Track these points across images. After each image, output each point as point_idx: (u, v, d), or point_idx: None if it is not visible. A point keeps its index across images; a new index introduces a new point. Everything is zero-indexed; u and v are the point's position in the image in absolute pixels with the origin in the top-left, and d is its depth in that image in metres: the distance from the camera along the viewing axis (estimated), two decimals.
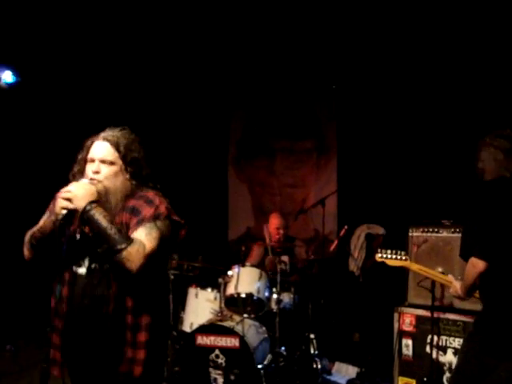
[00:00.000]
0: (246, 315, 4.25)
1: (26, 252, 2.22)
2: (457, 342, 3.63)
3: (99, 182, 2.12)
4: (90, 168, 2.17)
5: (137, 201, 2.17)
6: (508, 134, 2.62)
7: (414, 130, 5.57)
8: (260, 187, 6.86)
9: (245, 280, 4.36)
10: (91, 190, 2.05)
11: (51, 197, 2.24)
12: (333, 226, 6.19)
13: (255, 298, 4.32)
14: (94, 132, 2.27)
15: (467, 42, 4.87)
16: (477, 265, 2.40)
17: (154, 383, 2.25)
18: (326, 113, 6.52)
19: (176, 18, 4.98)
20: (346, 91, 6.15)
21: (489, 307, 2.51)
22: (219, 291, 4.39)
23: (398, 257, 3.31)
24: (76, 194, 2.00)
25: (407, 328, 3.87)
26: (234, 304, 4.38)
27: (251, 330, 4.18)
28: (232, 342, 3.95)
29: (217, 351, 3.97)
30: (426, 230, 3.96)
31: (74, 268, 2.15)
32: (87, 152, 2.20)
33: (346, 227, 4.99)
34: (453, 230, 3.82)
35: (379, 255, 3.32)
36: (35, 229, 2.18)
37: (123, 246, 1.98)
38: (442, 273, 3.15)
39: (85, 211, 1.99)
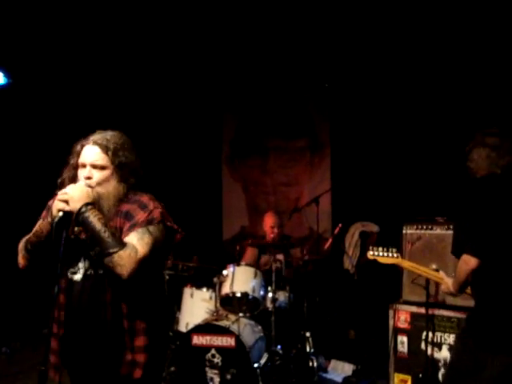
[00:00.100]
0: (241, 314, 4.25)
1: (21, 260, 2.19)
2: (451, 338, 3.64)
3: (92, 188, 2.08)
4: (81, 173, 2.13)
5: (131, 205, 2.14)
6: (496, 132, 2.64)
7: (407, 127, 5.60)
8: (254, 186, 6.86)
9: (240, 279, 4.37)
10: (88, 192, 2.03)
11: (44, 204, 2.23)
12: (327, 224, 6.21)
13: (250, 296, 4.33)
14: (87, 135, 2.20)
15: (459, 41, 4.89)
16: (469, 262, 2.41)
17: None
18: (319, 111, 6.54)
19: (168, 19, 4.98)
20: (339, 89, 6.16)
21: (481, 303, 2.52)
22: (214, 291, 4.41)
23: (390, 254, 3.31)
24: (72, 195, 1.99)
25: (402, 325, 3.89)
26: (230, 303, 4.38)
27: (247, 328, 4.18)
28: (228, 341, 3.96)
29: (213, 351, 3.97)
30: (419, 227, 3.97)
31: (70, 275, 2.14)
32: (78, 157, 2.16)
33: (340, 225, 5.01)
34: (446, 227, 3.83)
35: (371, 253, 3.32)
36: (30, 234, 2.16)
37: (115, 249, 1.95)
38: (436, 270, 3.16)
39: (79, 213, 1.98)
